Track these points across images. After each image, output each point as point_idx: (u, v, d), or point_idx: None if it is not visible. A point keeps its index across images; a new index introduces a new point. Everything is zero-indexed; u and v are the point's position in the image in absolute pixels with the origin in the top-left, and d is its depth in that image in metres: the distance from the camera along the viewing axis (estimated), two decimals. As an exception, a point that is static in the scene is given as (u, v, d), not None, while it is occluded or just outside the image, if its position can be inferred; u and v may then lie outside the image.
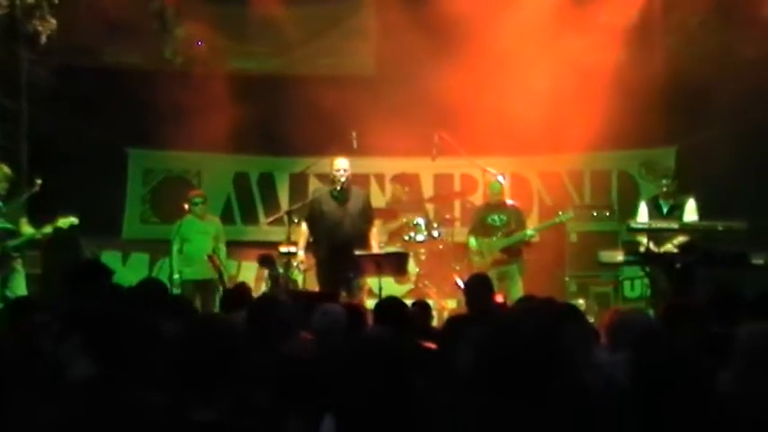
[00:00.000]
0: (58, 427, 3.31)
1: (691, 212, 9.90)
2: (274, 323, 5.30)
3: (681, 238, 9.63)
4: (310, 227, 10.33)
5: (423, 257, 12.28)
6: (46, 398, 3.54)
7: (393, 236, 12.24)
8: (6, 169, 10.33)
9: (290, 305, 5.82)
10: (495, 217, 11.31)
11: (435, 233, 12.23)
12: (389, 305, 6.59)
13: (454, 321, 5.03)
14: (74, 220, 10.21)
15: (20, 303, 7.00)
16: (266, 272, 10.99)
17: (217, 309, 10.59)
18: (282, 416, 4.09)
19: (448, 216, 12.84)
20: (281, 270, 11.33)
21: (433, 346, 5.42)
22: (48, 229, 10.13)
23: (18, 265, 10.18)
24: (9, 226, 10.18)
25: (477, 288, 7.59)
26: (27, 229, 10.17)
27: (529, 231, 11.39)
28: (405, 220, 12.20)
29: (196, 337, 3.44)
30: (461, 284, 11.54)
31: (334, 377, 3.17)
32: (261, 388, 4.19)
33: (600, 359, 4.80)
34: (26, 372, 3.85)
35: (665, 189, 10.11)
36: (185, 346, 3.42)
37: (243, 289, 8.65)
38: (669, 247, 9.65)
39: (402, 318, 6.23)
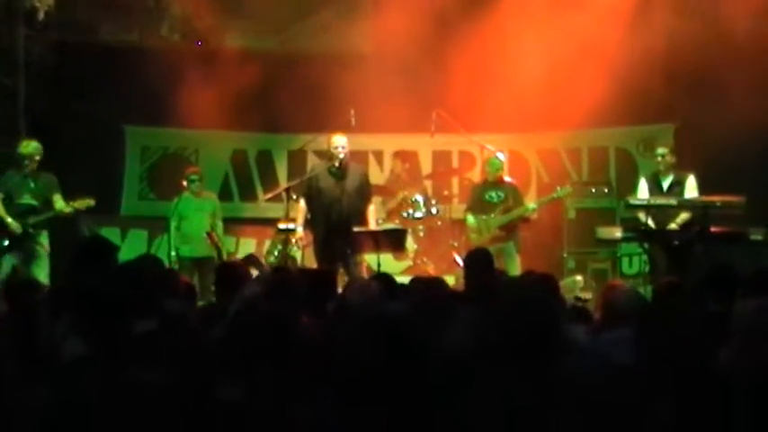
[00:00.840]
0: (49, 408, 3.31)
1: (691, 189, 9.87)
2: (290, 302, 5.29)
3: (684, 216, 9.62)
4: (308, 204, 10.32)
5: (421, 234, 12.30)
6: (40, 378, 3.53)
7: (391, 212, 12.26)
8: (35, 144, 10.29)
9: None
10: (493, 194, 11.32)
11: (434, 210, 12.25)
12: (381, 281, 6.60)
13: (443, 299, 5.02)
14: (91, 202, 10.25)
15: (20, 282, 7.01)
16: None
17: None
18: (290, 398, 4.11)
19: (446, 193, 12.86)
20: (279, 247, 11.36)
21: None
22: (68, 209, 10.15)
23: (40, 247, 10.12)
24: (34, 203, 10.17)
25: (478, 263, 7.54)
26: (59, 205, 10.17)
27: (531, 205, 11.40)
28: (402, 195, 12.20)
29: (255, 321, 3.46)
30: (460, 261, 11.59)
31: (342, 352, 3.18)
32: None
33: (578, 337, 4.77)
34: (23, 352, 3.84)
35: (659, 159, 10.05)
36: (242, 328, 3.44)
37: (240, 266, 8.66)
38: (673, 226, 9.64)
39: (393, 294, 6.23)
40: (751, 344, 3.85)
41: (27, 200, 10.17)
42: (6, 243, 10.10)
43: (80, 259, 5.85)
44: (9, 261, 10.07)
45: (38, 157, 10.21)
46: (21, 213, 10.12)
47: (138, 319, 4.45)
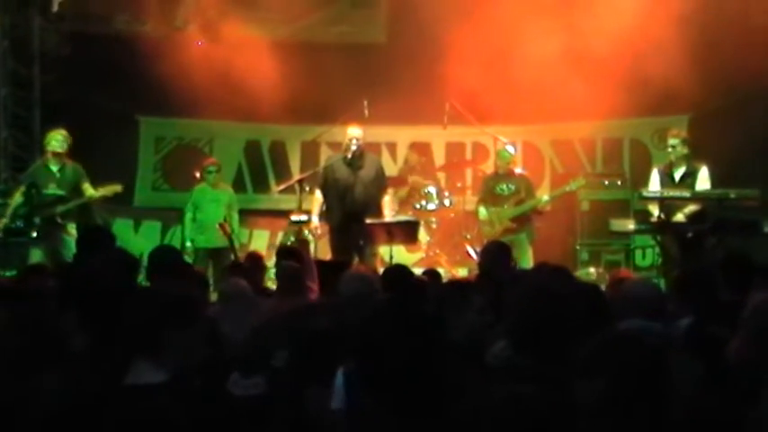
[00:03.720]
0: (56, 399, 3.30)
1: (703, 181, 9.75)
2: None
3: (691, 208, 9.56)
4: (323, 194, 10.34)
5: (434, 226, 12.30)
6: (49, 368, 3.52)
7: (404, 204, 12.24)
8: (63, 134, 10.33)
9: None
10: (504, 186, 11.29)
11: (447, 201, 12.25)
12: (396, 273, 6.61)
13: (450, 287, 5.02)
14: (118, 188, 10.35)
15: (32, 269, 7.03)
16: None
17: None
18: (302, 384, 4.12)
19: (459, 184, 12.86)
20: (292, 238, 11.38)
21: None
22: (97, 195, 10.23)
23: (69, 236, 10.07)
24: (61, 192, 10.22)
25: (495, 255, 7.48)
26: (89, 192, 10.22)
27: (544, 197, 11.37)
28: (413, 179, 12.18)
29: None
30: (473, 253, 11.58)
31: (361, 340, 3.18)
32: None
33: None
34: (34, 340, 3.81)
35: (670, 149, 9.92)
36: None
37: (256, 257, 8.71)
38: (679, 217, 9.58)
39: (408, 285, 6.24)
40: (762, 336, 3.80)
41: (53, 189, 10.24)
42: (35, 235, 10.16)
43: (80, 250, 5.90)
44: (37, 253, 10.12)
45: (64, 147, 10.27)
46: (48, 203, 10.19)
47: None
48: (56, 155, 10.24)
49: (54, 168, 10.28)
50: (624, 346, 3.03)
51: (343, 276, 5.85)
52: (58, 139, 10.27)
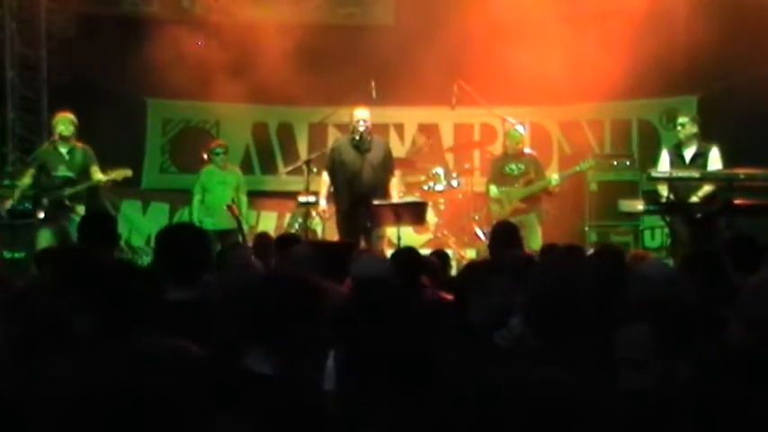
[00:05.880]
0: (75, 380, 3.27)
1: (714, 161, 9.66)
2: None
3: (706, 189, 9.50)
4: (331, 176, 10.29)
5: (442, 207, 12.29)
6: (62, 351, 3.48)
7: (412, 185, 12.23)
8: (70, 117, 10.31)
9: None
10: (513, 166, 11.26)
11: (455, 183, 12.24)
12: (406, 255, 6.57)
13: (472, 269, 4.99)
14: (128, 172, 10.33)
15: (44, 253, 7.03)
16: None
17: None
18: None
19: (467, 166, 12.82)
20: (299, 220, 11.37)
21: (450, 297, 5.43)
22: (105, 179, 10.20)
23: (78, 215, 10.05)
24: (70, 174, 10.19)
25: (503, 236, 7.46)
26: (97, 176, 10.21)
27: (555, 176, 11.33)
28: (423, 177, 12.20)
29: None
30: (481, 234, 11.57)
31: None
32: None
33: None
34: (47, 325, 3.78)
35: (680, 128, 9.87)
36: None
37: (265, 238, 8.75)
38: (694, 199, 9.53)
39: (419, 268, 6.22)
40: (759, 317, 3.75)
41: (63, 171, 10.20)
42: (42, 216, 10.14)
43: (83, 233, 5.90)
44: (46, 234, 10.08)
45: (72, 129, 10.25)
46: (57, 186, 10.16)
47: (175, 287, 4.43)
48: (64, 138, 10.23)
49: (63, 151, 10.26)
50: (662, 296, 3.01)
51: (357, 260, 5.84)
52: (65, 123, 10.25)
